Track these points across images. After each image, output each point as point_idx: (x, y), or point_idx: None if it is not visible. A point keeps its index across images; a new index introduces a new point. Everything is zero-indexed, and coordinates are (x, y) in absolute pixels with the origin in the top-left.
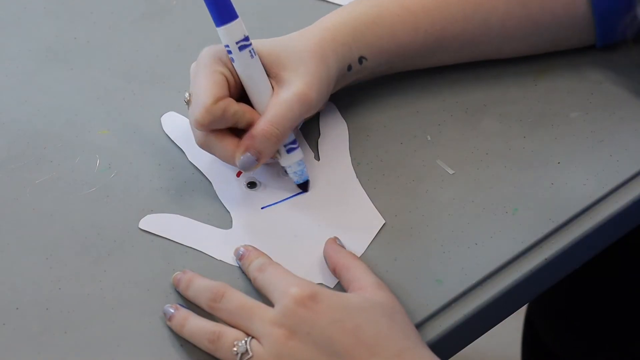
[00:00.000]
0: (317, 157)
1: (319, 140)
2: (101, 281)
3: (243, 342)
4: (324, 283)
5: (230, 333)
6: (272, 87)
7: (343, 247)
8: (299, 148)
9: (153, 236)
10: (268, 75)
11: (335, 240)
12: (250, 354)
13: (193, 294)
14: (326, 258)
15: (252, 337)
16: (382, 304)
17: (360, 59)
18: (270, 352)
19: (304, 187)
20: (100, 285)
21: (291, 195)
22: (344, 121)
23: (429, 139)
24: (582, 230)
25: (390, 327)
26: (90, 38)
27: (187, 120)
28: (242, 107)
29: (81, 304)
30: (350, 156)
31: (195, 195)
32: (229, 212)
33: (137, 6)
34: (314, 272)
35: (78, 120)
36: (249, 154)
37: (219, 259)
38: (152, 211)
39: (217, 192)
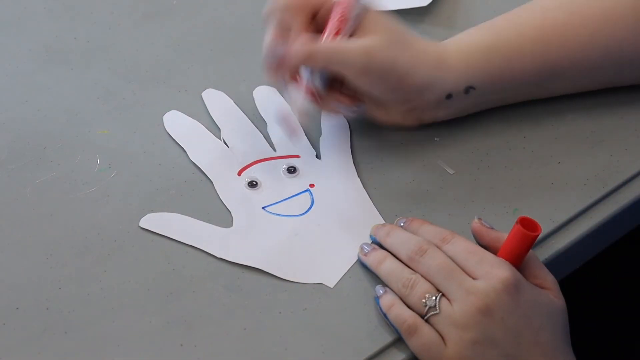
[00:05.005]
0: (319, 156)
1: (321, 139)
2: (101, 281)
3: (434, 297)
4: (323, 283)
5: (424, 284)
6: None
7: (492, 228)
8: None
9: (153, 236)
10: None
11: (482, 221)
12: (438, 310)
13: (393, 241)
14: (487, 240)
15: (442, 295)
16: (563, 310)
17: (468, 89)
18: (458, 316)
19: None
20: (100, 285)
21: (291, 195)
22: (345, 121)
23: (437, 140)
24: (582, 230)
25: (564, 336)
26: (90, 38)
27: (189, 119)
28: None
29: (81, 304)
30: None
31: (195, 195)
32: (229, 211)
33: (137, 6)
34: (314, 272)
35: (78, 120)
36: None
37: (219, 257)
38: (152, 211)
39: (217, 191)
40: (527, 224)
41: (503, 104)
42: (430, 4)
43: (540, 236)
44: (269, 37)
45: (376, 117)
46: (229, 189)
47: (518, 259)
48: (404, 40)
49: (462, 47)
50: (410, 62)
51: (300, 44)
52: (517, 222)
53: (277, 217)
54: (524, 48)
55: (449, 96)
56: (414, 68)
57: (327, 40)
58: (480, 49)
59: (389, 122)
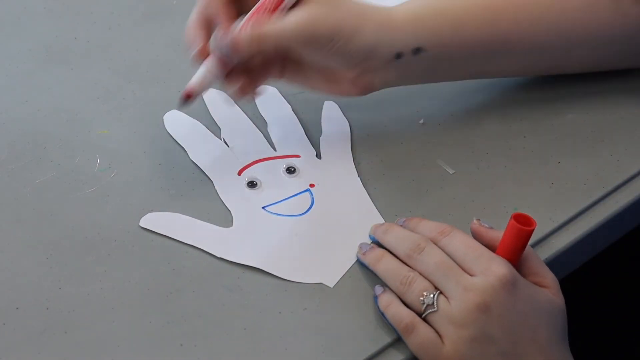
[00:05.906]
0: (319, 156)
1: (321, 138)
2: (101, 281)
3: (431, 295)
4: (323, 283)
5: (421, 282)
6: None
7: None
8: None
9: (153, 236)
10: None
11: (480, 221)
12: (436, 307)
13: (390, 239)
14: (485, 238)
15: (440, 293)
16: (561, 309)
17: (416, 50)
18: (456, 314)
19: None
20: (100, 285)
21: (292, 195)
22: (346, 120)
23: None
24: (582, 230)
25: (562, 335)
26: (90, 38)
27: (190, 118)
28: None
29: (81, 304)
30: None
31: (195, 195)
32: (229, 211)
33: (137, 6)
34: (314, 272)
35: (78, 120)
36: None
37: (219, 256)
38: (152, 211)
39: (218, 191)
40: (522, 220)
41: (455, 78)
42: None
43: (540, 236)
44: (192, 27)
45: (325, 90)
46: (229, 189)
47: (515, 255)
48: (347, 2)
49: (411, 9)
50: (356, 23)
51: (247, 31)
52: (511, 218)
53: (277, 217)
54: (475, 15)
55: (398, 56)
56: (361, 28)
57: (263, 16)
58: (429, 11)
59: (340, 94)
